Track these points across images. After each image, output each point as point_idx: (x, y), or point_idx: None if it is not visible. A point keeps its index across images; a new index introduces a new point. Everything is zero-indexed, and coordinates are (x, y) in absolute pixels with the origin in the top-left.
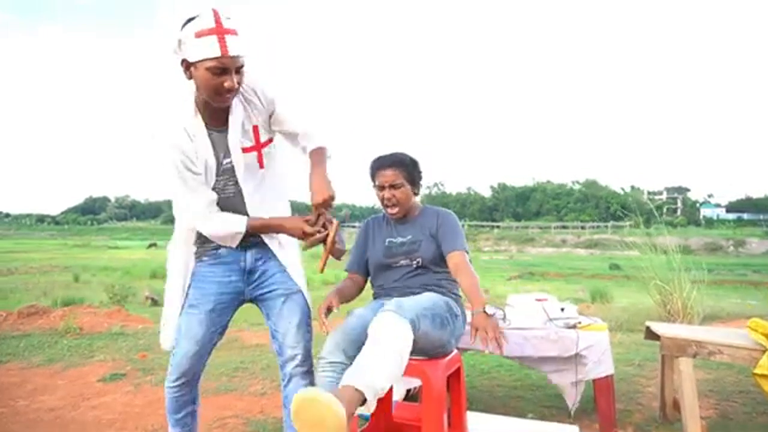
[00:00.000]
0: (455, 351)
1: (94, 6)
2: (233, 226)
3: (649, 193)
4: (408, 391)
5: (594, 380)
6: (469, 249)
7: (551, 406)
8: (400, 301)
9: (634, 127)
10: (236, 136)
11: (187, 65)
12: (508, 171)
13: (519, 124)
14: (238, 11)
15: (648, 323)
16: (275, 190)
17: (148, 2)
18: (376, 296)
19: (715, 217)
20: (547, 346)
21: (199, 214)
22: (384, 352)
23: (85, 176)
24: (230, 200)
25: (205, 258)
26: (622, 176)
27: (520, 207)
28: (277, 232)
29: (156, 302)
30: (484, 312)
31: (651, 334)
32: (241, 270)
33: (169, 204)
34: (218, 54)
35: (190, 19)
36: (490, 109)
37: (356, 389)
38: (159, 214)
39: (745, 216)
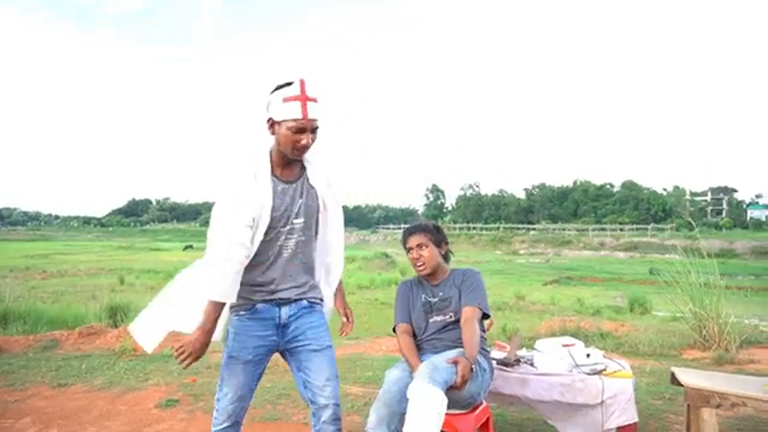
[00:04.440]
0: (484, 404)
1: (138, 13)
2: (220, 290)
3: (692, 193)
4: None
5: (618, 428)
6: (488, 304)
7: None
8: (433, 363)
9: (676, 125)
10: (324, 192)
11: (272, 123)
12: (543, 172)
13: (554, 125)
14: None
15: (673, 369)
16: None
17: (191, 10)
18: None
19: (763, 219)
20: (573, 393)
21: (225, 248)
22: (428, 423)
23: (128, 179)
24: (286, 254)
25: (242, 312)
26: (664, 176)
27: (556, 208)
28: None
29: None
30: (472, 364)
31: (677, 380)
32: (276, 326)
33: (207, 206)
34: (299, 117)
35: (280, 86)
36: (524, 110)
37: None
38: (198, 216)
39: None
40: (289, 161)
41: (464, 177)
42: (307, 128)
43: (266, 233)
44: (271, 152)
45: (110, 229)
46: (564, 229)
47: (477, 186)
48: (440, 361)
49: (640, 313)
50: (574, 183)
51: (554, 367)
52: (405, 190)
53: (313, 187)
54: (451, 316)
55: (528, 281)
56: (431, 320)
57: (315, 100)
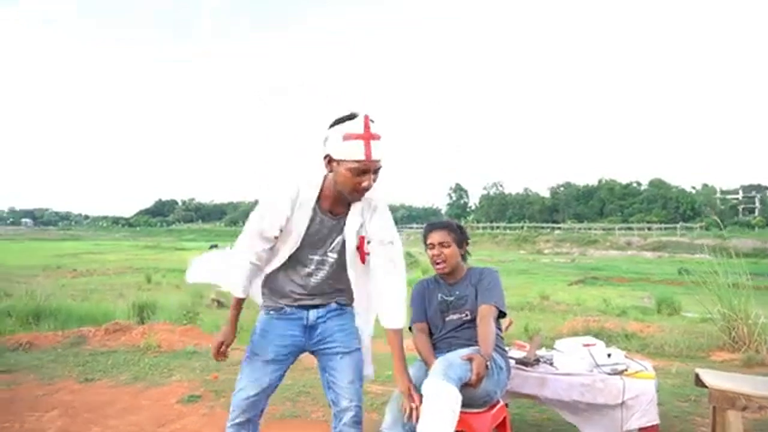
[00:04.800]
0: (501, 403)
1: (163, 15)
2: (232, 283)
3: (722, 191)
4: None
5: (639, 429)
6: (505, 303)
7: None
8: (448, 360)
9: (705, 121)
10: (352, 239)
11: (329, 160)
12: (568, 171)
13: (579, 123)
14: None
15: (697, 371)
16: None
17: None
18: None
19: None
20: (593, 393)
21: (242, 248)
22: (442, 419)
23: (154, 180)
24: (314, 280)
25: (271, 312)
26: (693, 174)
27: (581, 207)
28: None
29: (222, 304)
30: (486, 361)
31: (702, 382)
32: (303, 326)
33: (232, 206)
34: (362, 158)
35: (340, 119)
36: (548, 108)
37: None
38: (222, 216)
39: None
40: (341, 197)
41: (488, 176)
42: (369, 170)
43: (295, 259)
44: (324, 180)
45: (138, 228)
46: (590, 229)
47: (501, 185)
48: (455, 357)
49: (668, 314)
50: (599, 182)
51: (574, 366)
52: (428, 190)
53: (350, 227)
54: (467, 315)
55: (552, 281)
56: (447, 318)
57: (378, 138)
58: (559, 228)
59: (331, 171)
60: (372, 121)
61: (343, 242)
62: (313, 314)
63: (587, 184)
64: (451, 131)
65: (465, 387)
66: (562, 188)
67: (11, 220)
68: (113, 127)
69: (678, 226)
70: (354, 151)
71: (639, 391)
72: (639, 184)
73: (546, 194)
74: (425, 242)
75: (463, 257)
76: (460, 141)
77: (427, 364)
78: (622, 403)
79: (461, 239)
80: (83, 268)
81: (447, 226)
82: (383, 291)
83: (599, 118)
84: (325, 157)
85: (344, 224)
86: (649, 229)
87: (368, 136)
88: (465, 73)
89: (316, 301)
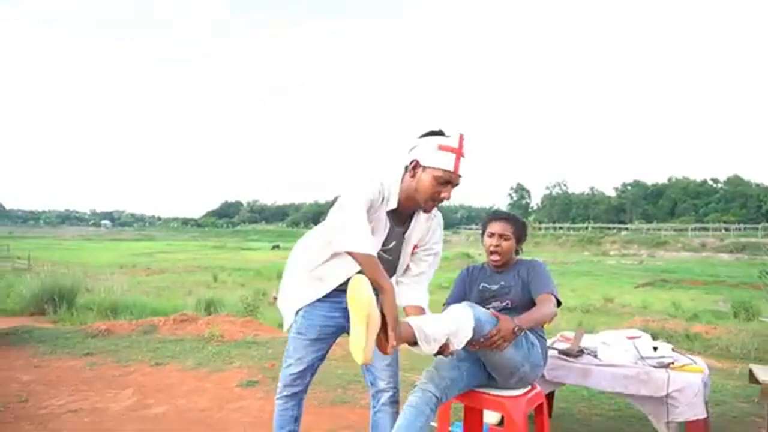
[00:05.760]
0: (538, 388)
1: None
2: (364, 244)
3: None
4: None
5: (686, 423)
6: (557, 292)
7: None
8: (474, 305)
9: None
10: (409, 245)
11: (416, 165)
12: (636, 169)
13: (648, 118)
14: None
15: (751, 366)
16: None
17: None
18: None
19: None
20: (636, 385)
21: (359, 209)
22: (444, 318)
23: (221, 183)
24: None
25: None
26: None
27: (650, 207)
28: (375, 289)
29: None
30: (515, 326)
31: (756, 378)
32: (343, 309)
33: (293, 207)
34: (450, 169)
35: (433, 132)
36: (615, 102)
37: (410, 326)
38: (285, 217)
39: None
40: (408, 207)
41: (550, 175)
42: (452, 182)
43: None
44: (399, 191)
45: (206, 229)
46: (659, 229)
47: (564, 184)
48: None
49: (745, 319)
50: (669, 180)
51: (618, 358)
52: (488, 190)
53: (411, 237)
54: (508, 304)
55: (618, 283)
56: (487, 307)
57: (465, 157)
58: (626, 228)
59: (413, 176)
60: (466, 142)
61: (400, 248)
62: None
63: (656, 182)
64: (516, 129)
65: (488, 346)
66: (629, 187)
67: (92, 222)
68: (184, 133)
69: (760, 226)
70: (445, 161)
71: (684, 384)
72: (715, 181)
73: (612, 193)
74: (485, 229)
75: (516, 253)
76: (525, 139)
77: None
78: (667, 395)
79: (520, 235)
80: (156, 267)
81: (511, 218)
82: (418, 294)
83: (669, 113)
84: (411, 162)
85: (405, 231)
86: (726, 229)
87: (460, 153)
88: (533, 72)
89: None
